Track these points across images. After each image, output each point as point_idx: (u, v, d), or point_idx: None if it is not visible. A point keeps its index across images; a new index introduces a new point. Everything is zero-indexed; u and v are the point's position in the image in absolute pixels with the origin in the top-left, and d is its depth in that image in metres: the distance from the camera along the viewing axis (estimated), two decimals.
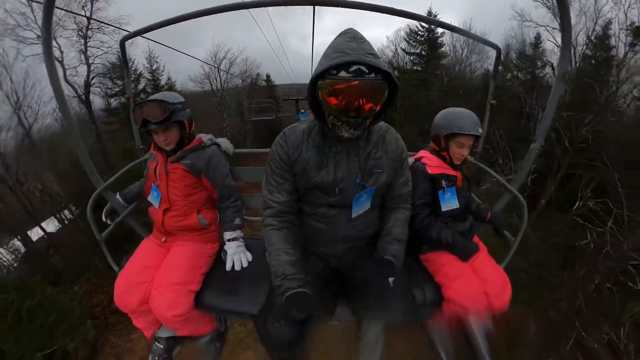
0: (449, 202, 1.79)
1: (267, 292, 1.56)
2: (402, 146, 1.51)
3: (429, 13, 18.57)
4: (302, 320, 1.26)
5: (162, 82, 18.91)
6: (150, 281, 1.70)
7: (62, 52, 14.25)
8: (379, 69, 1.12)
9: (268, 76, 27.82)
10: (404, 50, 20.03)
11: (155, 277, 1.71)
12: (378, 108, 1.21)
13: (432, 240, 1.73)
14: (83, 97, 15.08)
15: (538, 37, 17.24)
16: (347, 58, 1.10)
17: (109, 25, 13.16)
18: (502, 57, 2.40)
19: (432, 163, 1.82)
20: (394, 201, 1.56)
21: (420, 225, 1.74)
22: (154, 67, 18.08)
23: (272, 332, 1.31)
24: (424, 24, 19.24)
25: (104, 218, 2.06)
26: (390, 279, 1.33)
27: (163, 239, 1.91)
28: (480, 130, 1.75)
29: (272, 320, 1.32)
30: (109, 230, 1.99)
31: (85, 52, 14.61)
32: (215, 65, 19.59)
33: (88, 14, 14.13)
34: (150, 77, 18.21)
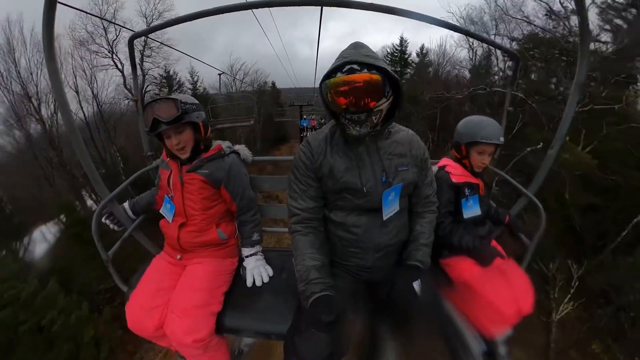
0: (472, 210, 1.78)
1: (294, 309, 1.48)
2: (423, 146, 1.52)
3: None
4: (333, 323, 1.20)
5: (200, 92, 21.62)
6: (165, 304, 1.55)
7: (122, 64, 17.81)
8: (374, 67, 1.20)
9: (274, 83, 32.56)
10: None
11: (172, 300, 1.55)
12: (374, 103, 1.23)
13: (454, 246, 1.72)
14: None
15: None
16: (344, 60, 1.20)
17: (120, 25, 15.76)
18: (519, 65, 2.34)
19: (455, 172, 1.80)
20: (420, 204, 1.55)
21: (444, 233, 1.72)
22: (195, 79, 21.18)
23: (311, 344, 1.24)
24: (397, 46, 21.65)
25: (103, 219, 1.87)
26: (416, 283, 1.33)
27: (178, 257, 1.74)
28: (502, 139, 1.74)
29: (304, 331, 1.26)
30: (116, 249, 1.79)
31: (141, 65, 18.12)
32: (232, 75, 22.41)
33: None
34: (191, 88, 21.09)
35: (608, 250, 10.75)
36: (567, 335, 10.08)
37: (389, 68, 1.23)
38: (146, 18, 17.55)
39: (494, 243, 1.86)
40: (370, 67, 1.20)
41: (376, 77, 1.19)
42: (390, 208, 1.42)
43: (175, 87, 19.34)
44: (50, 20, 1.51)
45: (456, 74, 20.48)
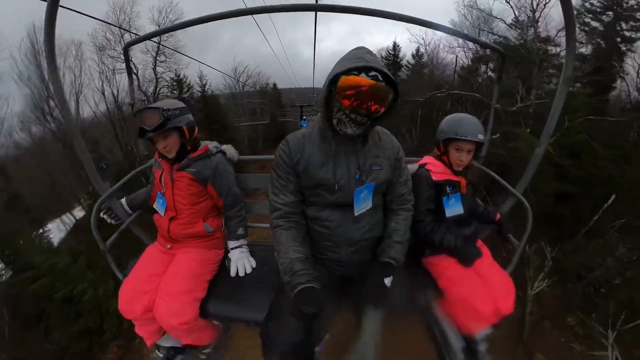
0: (454, 208, 1.60)
1: (272, 299, 1.42)
2: (397, 146, 1.44)
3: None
4: (312, 316, 1.16)
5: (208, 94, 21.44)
6: (155, 289, 1.54)
7: (137, 68, 17.49)
8: (388, 79, 1.15)
9: (275, 85, 31.52)
10: None
11: (160, 285, 1.55)
12: (380, 110, 1.19)
13: (435, 245, 1.56)
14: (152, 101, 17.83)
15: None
16: (368, 64, 1.13)
17: (124, 29, 15.74)
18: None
19: (436, 169, 1.63)
20: (395, 202, 1.45)
21: (424, 232, 1.57)
22: (203, 82, 20.87)
23: (284, 331, 1.22)
24: (391, 51, 21.22)
25: (101, 214, 1.87)
26: (387, 280, 1.28)
27: (168, 246, 1.75)
28: (481, 137, 1.56)
29: (283, 318, 1.24)
30: (113, 239, 1.79)
31: (154, 69, 18.30)
32: (235, 78, 22.05)
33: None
34: (200, 90, 20.95)
35: (581, 234, 10.72)
36: (542, 309, 10.16)
37: (397, 82, 1.18)
38: (158, 26, 17.22)
39: (480, 243, 1.70)
40: (387, 78, 1.14)
41: (392, 92, 1.17)
42: (363, 205, 1.35)
43: (186, 89, 18.94)
44: (51, 20, 1.44)
45: (439, 74, 19.77)
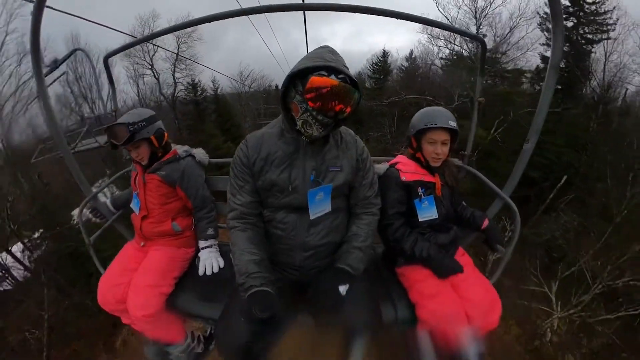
0: (427, 212, 1.25)
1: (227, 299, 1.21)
2: (361, 146, 1.16)
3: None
4: (263, 320, 0.96)
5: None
6: (128, 282, 1.41)
7: (158, 73, 17.27)
8: (350, 80, 0.96)
9: (277, 86, 29.71)
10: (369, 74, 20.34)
11: (132, 279, 1.42)
12: (347, 111, 0.99)
13: (406, 254, 1.21)
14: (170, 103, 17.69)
15: None
16: (328, 64, 0.94)
17: (127, 34, 14.82)
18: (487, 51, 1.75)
19: (406, 169, 1.27)
20: (359, 205, 1.17)
21: (394, 237, 1.22)
22: (216, 87, 20.04)
23: (231, 331, 1.03)
24: (380, 57, 19.88)
25: (87, 213, 1.74)
26: (342, 288, 1.01)
27: (142, 243, 1.60)
28: (452, 124, 1.21)
29: (232, 319, 1.04)
30: (97, 235, 1.63)
31: (174, 75, 17.70)
32: (242, 82, 21.24)
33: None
34: (212, 93, 20.19)
35: (540, 211, 10.61)
36: (507, 277, 10.10)
37: (358, 86, 0.97)
38: (178, 39, 16.87)
39: (461, 251, 1.33)
40: (351, 80, 0.95)
41: (353, 89, 0.95)
42: (319, 208, 1.10)
43: (199, 92, 18.18)
44: (37, 22, 1.23)
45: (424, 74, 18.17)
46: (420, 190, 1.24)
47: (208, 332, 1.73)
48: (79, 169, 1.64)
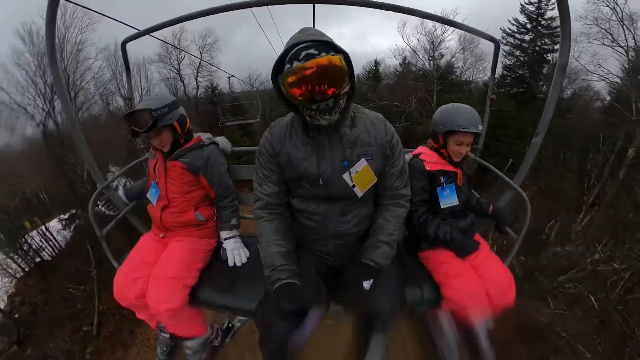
0: (448, 199, 1.15)
1: (264, 289, 1.03)
2: (391, 132, 0.94)
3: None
4: (295, 313, 0.84)
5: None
6: (147, 276, 1.16)
7: (182, 77, 15.64)
8: (330, 48, 0.74)
9: None
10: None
11: (152, 272, 1.17)
12: (339, 89, 0.75)
13: (430, 237, 1.13)
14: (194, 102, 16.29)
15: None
16: (293, 42, 0.74)
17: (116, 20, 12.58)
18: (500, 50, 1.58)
19: (430, 159, 1.16)
20: (387, 196, 0.97)
21: (418, 222, 1.13)
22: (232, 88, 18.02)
23: (270, 326, 0.88)
24: (373, 65, 17.38)
25: (99, 206, 1.43)
26: (366, 284, 0.87)
27: (161, 235, 1.31)
28: (481, 127, 1.10)
29: (266, 314, 0.90)
30: (110, 228, 1.35)
31: (196, 78, 16.16)
32: (250, 83, 18.50)
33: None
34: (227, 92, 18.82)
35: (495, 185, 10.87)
36: None
37: (331, 40, 0.75)
38: (201, 49, 15.22)
39: (477, 236, 1.25)
40: (327, 46, 0.74)
41: (336, 57, 0.73)
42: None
43: (218, 94, 17.44)
44: (52, 16, 1.05)
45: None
46: (442, 179, 1.15)
47: (225, 325, 1.53)
48: (91, 157, 1.38)
